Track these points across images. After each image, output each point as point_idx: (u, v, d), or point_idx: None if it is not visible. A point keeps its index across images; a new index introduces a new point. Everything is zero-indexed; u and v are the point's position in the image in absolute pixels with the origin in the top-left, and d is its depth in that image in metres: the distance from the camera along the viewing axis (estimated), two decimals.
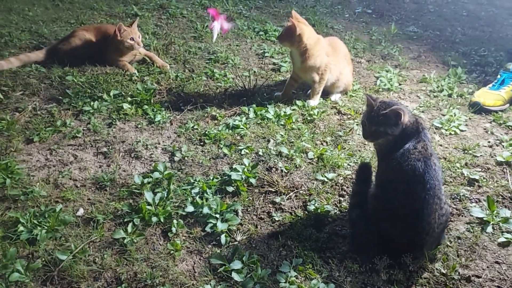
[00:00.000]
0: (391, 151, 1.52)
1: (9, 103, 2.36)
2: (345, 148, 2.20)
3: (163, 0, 4.10)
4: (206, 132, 2.22)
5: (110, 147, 2.10)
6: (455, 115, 2.53)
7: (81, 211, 1.71)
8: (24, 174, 1.87)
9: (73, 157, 2.02)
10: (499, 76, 2.78)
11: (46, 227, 1.58)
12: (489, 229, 1.72)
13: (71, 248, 1.52)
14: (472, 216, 1.78)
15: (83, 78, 2.64)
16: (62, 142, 2.11)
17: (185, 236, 1.63)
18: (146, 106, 2.42)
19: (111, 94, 2.49)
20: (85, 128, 2.22)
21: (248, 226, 1.69)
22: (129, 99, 2.47)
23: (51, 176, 1.89)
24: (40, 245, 1.53)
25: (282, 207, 1.80)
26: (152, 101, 2.48)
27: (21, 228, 1.57)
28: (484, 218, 1.76)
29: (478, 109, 2.60)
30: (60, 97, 2.44)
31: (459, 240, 1.67)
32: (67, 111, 2.35)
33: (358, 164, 1.73)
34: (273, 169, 2.01)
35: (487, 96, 2.67)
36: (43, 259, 1.48)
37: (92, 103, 2.39)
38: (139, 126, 2.28)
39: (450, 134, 2.38)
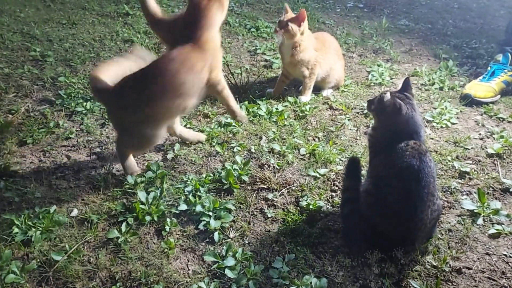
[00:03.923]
0: (384, 146, 1.53)
1: (2, 105, 2.37)
2: (337, 143, 2.21)
3: None
4: (198, 131, 2.23)
5: (103, 147, 2.11)
6: (446, 108, 2.54)
7: (75, 212, 1.72)
8: (18, 176, 1.88)
9: (66, 158, 2.03)
10: (489, 68, 2.80)
11: (40, 228, 1.60)
12: (480, 221, 1.74)
13: (65, 249, 1.53)
14: (463, 208, 1.80)
15: (75, 79, 2.64)
16: (55, 143, 2.12)
17: (178, 234, 1.65)
18: None
19: None
20: (78, 129, 2.23)
21: (241, 223, 1.71)
22: None
23: (45, 177, 1.90)
24: (35, 246, 1.54)
25: (275, 203, 1.82)
26: None
27: (16, 229, 1.58)
28: (475, 210, 1.78)
29: (469, 101, 2.63)
30: (53, 99, 2.45)
31: (450, 233, 1.69)
32: (60, 112, 2.35)
33: (348, 159, 1.74)
34: (266, 166, 2.03)
35: (478, 88, 2.69)
36: (38, 260, 1.50)
37: (84, 103, 2.40)
38: None
39: (441, 127, 2.40)
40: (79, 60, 2.85)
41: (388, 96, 1.52)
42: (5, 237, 1.56)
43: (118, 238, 1.59)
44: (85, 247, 1.56)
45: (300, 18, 2.38)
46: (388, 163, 1.50)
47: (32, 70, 2.72)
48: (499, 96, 2.71)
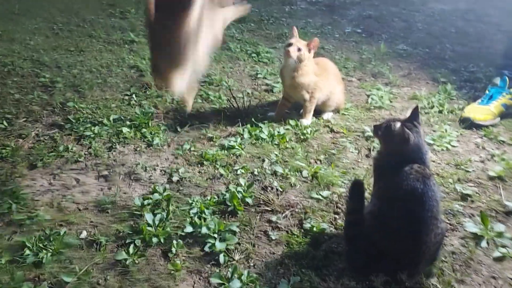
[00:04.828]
0: (389, 169, 1.56)
1: (13, 130, 2.41)
2: (338, 166, 2.25)
3: None
4: (203, 153, 2.28)
5: (111, 170, 2.15)
6: (446, 131, 2.59)
7: (84, 234, 1.75)
8: (29, 199, 1.91)
9: (75, 181, 2.07)
10: (487, 92, 2.87)
11: (51, 250, 1.62)
12: (484, 243, 1.75)
13: (75, 270, 1.55)
14: (466, 231, 1.82)
15: (83, 104, 2.70)
16: (64, 167, 2.16)
17: (184, 256, 1.67)
18: (144, 130, 2.48)
19: (111, 118, 2.56)
20: (86, 153, 2.28)
21: (245, 245, 1.73)
22: (128, 123, 2.53)
23: (54, 200, 1.93)
24: (46, 268, 1.56)
25: (279, 225, 1.84)
26: (150, 124, 2.54)
27: (27, 251, 1.60)
28: (478, 233, 1.79)
29: (469, 124, 2.67)
30: (62, 123, 2.50)
31: (454, 255, 1.70)
32: (69, 136, 2.40)
33: (351, 182, 1.77)
34: (269, 188, 2.06)
35: (477, 111, 2.74)
36: (49, 281, 1.51)
37: (93, 128, 2.45)
38: (138, 149, 2.33)
39: (442, 150, 2.43)
40: (87, 86, 2.92)
41: (398, 125, 1.56)
42: (17, 258, 1.59)
43: (126, 260, 1.61)
44: (94, 269, 1.58)
45: (312, 45, 2.50)
46: (393, 186, 1.53)
47: (42, 95, 2.78)
48: (498, 119, 2.76)
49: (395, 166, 1.55)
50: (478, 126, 2.69)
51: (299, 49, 2.46)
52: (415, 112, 1.67)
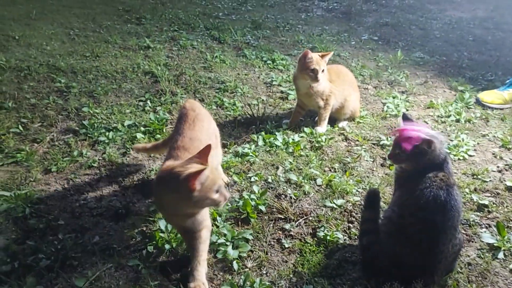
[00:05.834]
0: (412, 179, 1.54)
1: (28, 135, 2.45)
2: (353, 174, 2.23)
3: (174, 33, 4.26)
4: None
5: (125, 176, 2.16)
6: (463, 140, 2.55)
7: (97, 239, 1.75)
8: (43, 203, 1.93)
9: (89, 186, 2.08)
10: (508, 80, 3.15)
11: (64, 255, 1.63)
12: (501, 255, 1.72)
13: (87, 276, 1.55)
14: (483, 242, 1.78)
15: (98, 109, 2.73)
16: (78, 172, 2.18)
17: None
18: (158, 136, 2.49)
19: (125, 124, 2.58)
20: (100, 158, 2.29)
21: (258, 253, 1.72)
22: (142, 129, 2.54)
23: (68, 205, 1.94)
24: (58, 272, 1.57)
25: (292, 233, 1.82)
26: (164, 130, 2.55)
27: (40, 256, 1.62)
28: (495, 244, 1.76)
29: (477, 103, 3.05)
30: (77, 128, 2.53)
31: (469, 266, 1.66)
32: (83, 141, 2.43)
33: (367, 191, 1.75)
34: (282, 196, 2.05)
35: (488, 94, 3.06)
36: (61, 286, 1.52)
37: (107, 133, 2.47)
38: (152, 155, 2.34)
39: (459, 159, 2.39)
40: (102, 91, 2.96)
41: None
42: (30, 263, 1.60)
43: (138, 265, 1.61)
44: (107, 275, 1.58)
45: (328, 58, 2.52)
46: (415, 192, 1.50)
47: (57, 100, 2.82)
48: (509, 105, 3.01)
49: (421, 173, 1.52)
50: (486, 107, 2.99)
51: (322, 70, 2.48)
52: (406, 117, 1.65)
